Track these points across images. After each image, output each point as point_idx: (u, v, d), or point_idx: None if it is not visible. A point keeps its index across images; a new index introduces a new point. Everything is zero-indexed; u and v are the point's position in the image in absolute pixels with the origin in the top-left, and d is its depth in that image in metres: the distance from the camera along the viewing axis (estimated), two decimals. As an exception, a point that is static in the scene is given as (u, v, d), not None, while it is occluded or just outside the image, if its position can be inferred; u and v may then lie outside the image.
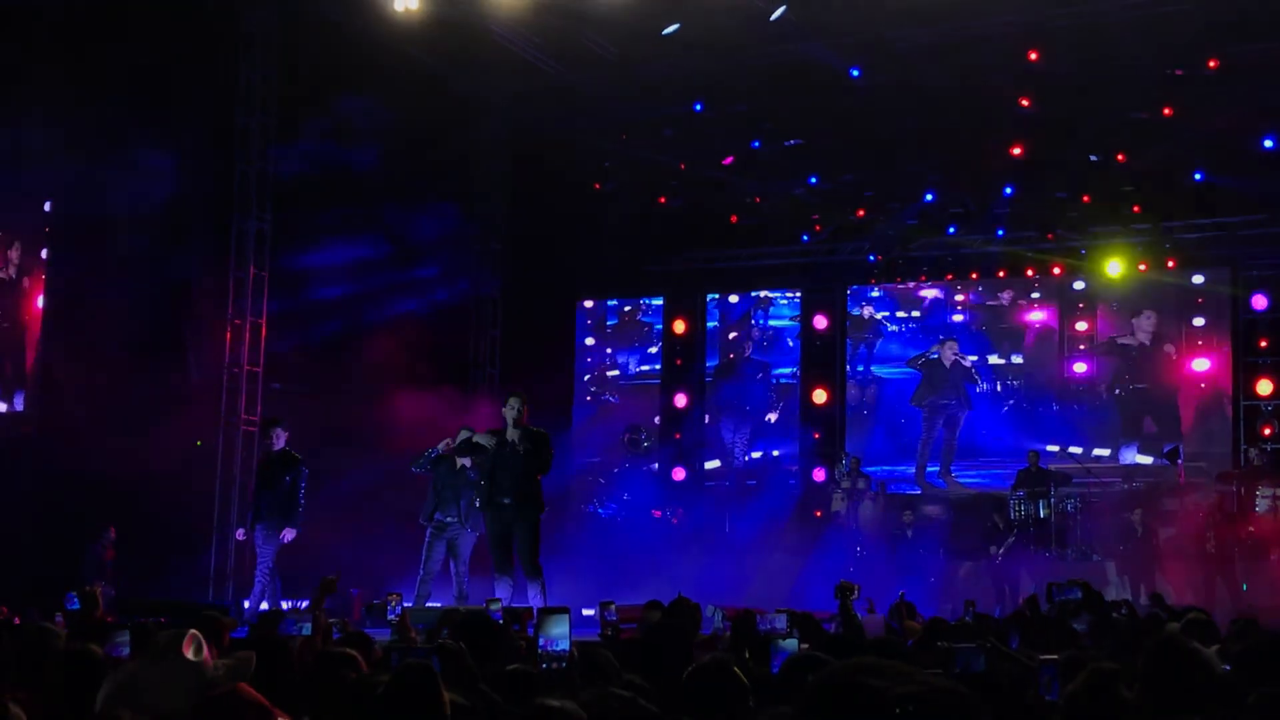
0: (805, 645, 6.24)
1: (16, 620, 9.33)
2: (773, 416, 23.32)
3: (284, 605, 12.96)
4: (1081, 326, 21.74)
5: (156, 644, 5.40)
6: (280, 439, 13.53)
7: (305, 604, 11.51)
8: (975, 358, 22.41)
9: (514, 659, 6.01)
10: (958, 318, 22.74)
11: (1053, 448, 20.89)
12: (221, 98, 17.40)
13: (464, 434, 13.16)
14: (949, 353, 22.34)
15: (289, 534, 13.35)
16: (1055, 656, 5.86)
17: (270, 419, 14.13)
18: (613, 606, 8.31)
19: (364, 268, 17.66)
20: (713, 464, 23.13)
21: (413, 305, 18.62)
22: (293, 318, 17.33)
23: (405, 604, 9.92)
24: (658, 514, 21.56)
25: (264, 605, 12.93)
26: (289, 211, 17.59)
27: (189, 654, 5.21)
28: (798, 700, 2.25)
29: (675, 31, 18.05)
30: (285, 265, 17.59)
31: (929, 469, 22.21)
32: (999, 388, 22.47)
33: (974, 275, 21.89)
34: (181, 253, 17.48)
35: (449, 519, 13.41)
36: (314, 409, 16.36)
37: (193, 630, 5.33)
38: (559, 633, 5.17)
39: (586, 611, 12.60)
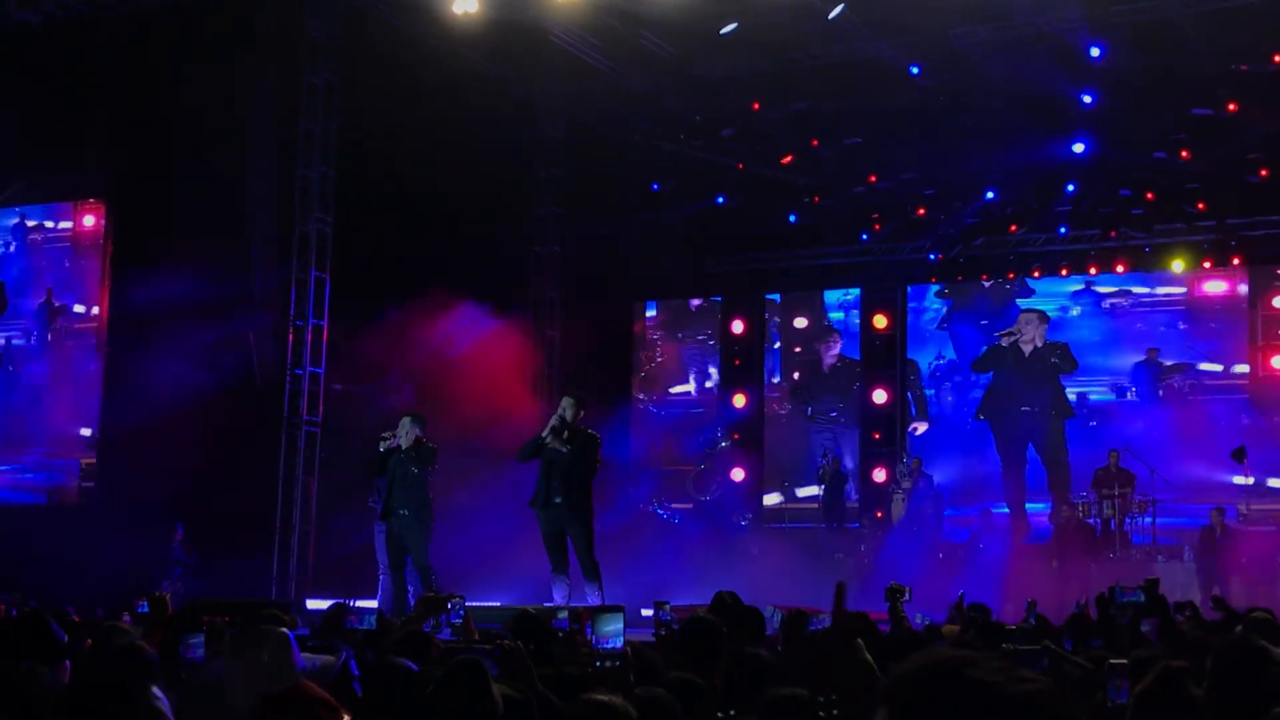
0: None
1: (77, 619, 9.43)
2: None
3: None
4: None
5: (238, 643, 5.43)
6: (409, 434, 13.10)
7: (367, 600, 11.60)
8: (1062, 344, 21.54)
9: (575, 661, 6.04)
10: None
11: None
12: (285, 102, 17.57)
13: (404, 424, 12.94)
14: (1031, 333, 21.65)
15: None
16: (1124, 660, 5.80)
17: (409, 413, 13.63)
18: (668, 606, 8.31)
19: (425, 269, 17.74)
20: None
21: (472, 306, 18.69)
22: (354, 319, 17.45)
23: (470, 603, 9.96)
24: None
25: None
26: (350, 214, 17.73)
27: (266, 658, 5.22)
28: (882, 692, 2.05)
29: (733, 31, 18.01)
30: (347, 268, 17.73)
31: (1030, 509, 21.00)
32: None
33: (1035, 273, 21.72)
34: (245, 255, 17.67)
35: (403, 511, 12.93)
36: (374, 410, 16.48)
37: (281, 629, 5.36)
38: (612, 630, 5.18)
39: (645, 612, 12.62)
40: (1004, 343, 21.96)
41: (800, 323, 23.85)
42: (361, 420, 16.06)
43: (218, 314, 17.25)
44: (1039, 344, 21.66)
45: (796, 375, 23.80)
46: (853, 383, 23.15)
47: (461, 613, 8.49)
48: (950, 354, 22.79)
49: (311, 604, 14.20)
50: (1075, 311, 21.85)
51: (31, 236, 20.96)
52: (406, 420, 12.97)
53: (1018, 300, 22.12)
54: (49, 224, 20.92)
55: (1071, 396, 21.40)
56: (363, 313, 17.39)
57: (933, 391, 22.84)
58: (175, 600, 13.64)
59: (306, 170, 17.65)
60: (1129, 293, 21.49)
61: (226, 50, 16.77)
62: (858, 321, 23.09)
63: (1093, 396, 21.56)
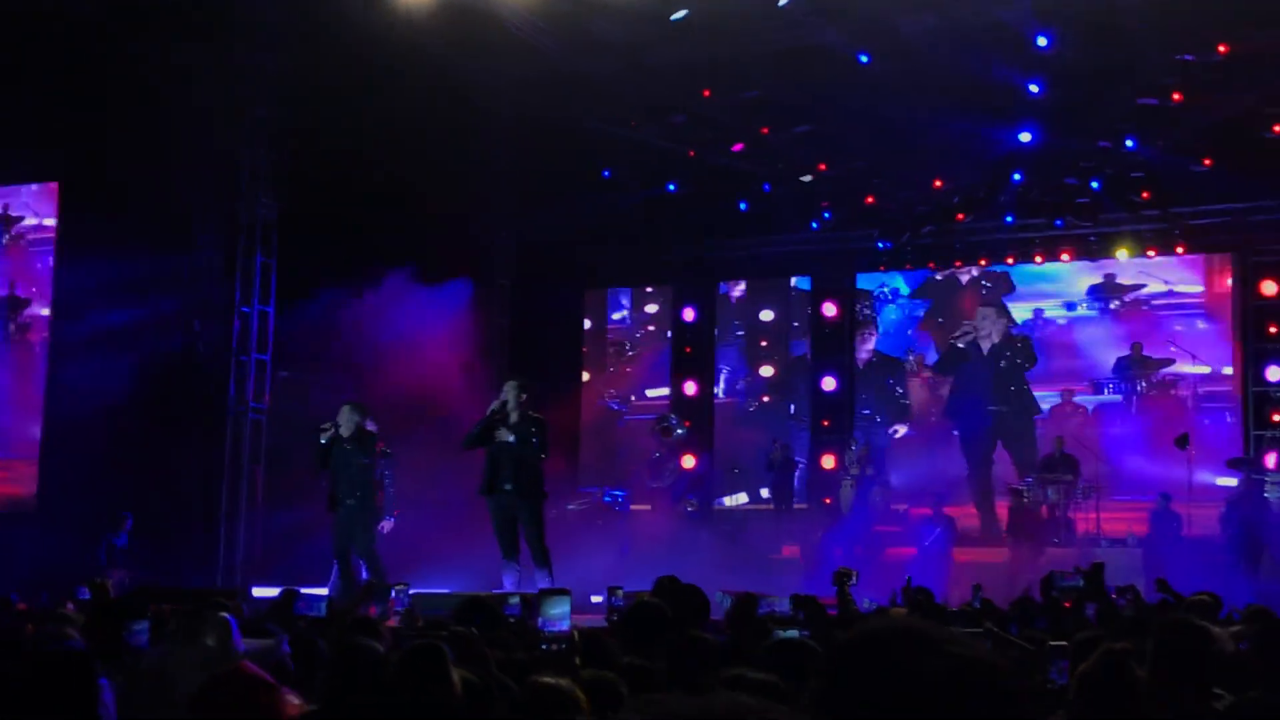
0: (807, 630, 6.25)
1: (22, 606, 9.36)
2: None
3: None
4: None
5: (182, 629, 5.41)
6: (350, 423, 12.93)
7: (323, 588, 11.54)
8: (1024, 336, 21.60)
9: (523, 646, 6.03)
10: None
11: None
12: (228, 86, 17.40)
13: (344, 413, 12.84)
14: (989, 328, 21.71)
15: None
16: (1064, 643, 5.86)
17: (348, 402, 13.50)
18: (620, 592, 8.32)
19: (371, 255, 17.65)
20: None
21: (420, 292, 18.60)
22: (300, 306, 17.33)
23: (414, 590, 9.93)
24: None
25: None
26: (296, 199, 17.59)
27: (211, 642, 5.22)
28: (820, 666, 2.05)
29: (684, 18, 18.00)
30: (293, 253, 17.59)
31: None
32: (1141, 386, 21.01)
33: (982, 261, 21.87)
34: (190, 240, 17.51)
35: (350, 501, 12.83)
36: (321, 397, 16.39)
37: (222, 614, 5.35)
38: (559, 613, 5.18)
39: (596, 598, 12.62)
40: (960, 343, 22.06)
41: (767, 315, 23.84)
42: (308, 407, 15.95)
43: (162, 300, 17.10)
44: (997, 339, 21.77)
45: (771, 371, 23.76)
46: (886, 378, 22.98)
47: (406, 600, 8.48)
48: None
49: (258, 592, 14.10)
50: (1083, 310, 21.78)
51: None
52: (346, 409, 12.87)
53: (1005, 300, 22.19)
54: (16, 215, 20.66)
55: (1055, 397, 21.37)
56: (308, 299, 17.27)
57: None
58: (122, 589, 13.58)
59: (251, 152, 17.49)
60: (1141, 291, 21.40)
61: (169, 32, 16.57)
62: (901, 315, 23.01)
63: (1076, 397, 21.57)
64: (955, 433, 21.92)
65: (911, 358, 22.89)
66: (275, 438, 17.24)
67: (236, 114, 17.43)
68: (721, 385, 23.84)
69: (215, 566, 16.67)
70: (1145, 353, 21.16)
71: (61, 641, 5.69)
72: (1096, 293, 21.73)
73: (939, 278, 22.72)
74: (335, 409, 13.13)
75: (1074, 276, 21.90)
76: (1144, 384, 21.12)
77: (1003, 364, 21.73)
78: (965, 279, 22.60)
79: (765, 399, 23.85)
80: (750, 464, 22.49)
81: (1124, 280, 21.60)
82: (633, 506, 21.64)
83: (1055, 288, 22.01)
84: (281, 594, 8.77)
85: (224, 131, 17.40)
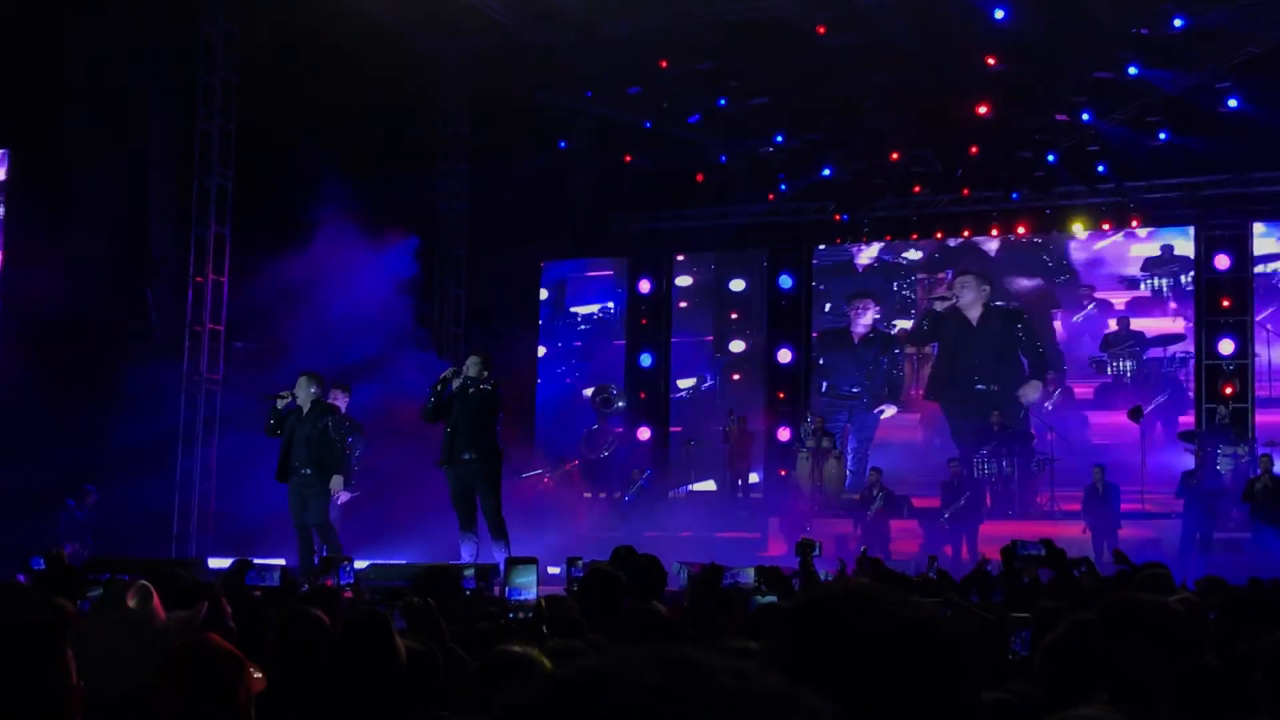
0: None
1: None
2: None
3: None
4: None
5: (102, 599, 5.32)
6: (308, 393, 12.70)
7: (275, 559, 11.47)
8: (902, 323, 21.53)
9: (485, 616, 6.00)
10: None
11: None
12: (183, 55, 17.21)
13: (301, 383, 12.70)
14: (971, 296, 21.23)
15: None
16: (1025, 614, 5.89)
17: (305, 372, 13.33)
18: (579, 562, 8.30)
19: (326, 226, 17.50)
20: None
21: (375, 264, 18.47)
22: (254, 276, 17.19)
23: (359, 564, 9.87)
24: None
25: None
26: (250, 169, 17.44)
27: (132, 604, 5.13)
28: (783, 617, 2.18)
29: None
30: (247, 223, 17.44)
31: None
32: (1130, 364, 20.65)
33: (938, 235, 21.90)
34: (144, 210, 17.32)
35: (306, 471, 12.52)
36: (275, 368, 16.26)
37: (142, 580, 5.26)
38: (525, 582, 5.16)
39: (553, 569, 12.60)
40: (938, 307, 21.80)
41: (738, 285, 23.45)
42: (263, 378, 15.83)
43: (116, 270, 16.90)
44: (983, 309, 21.40)
45: (742, 346, 23.17)
46: (881, 357, 22.35)
47: (350, 575, 8.41)
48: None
49: (214, 563, 14.00)
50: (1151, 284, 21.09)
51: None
52: (303, 379, 12.68)
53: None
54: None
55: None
56: (264, 269, 17.11)
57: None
58: (78, 559, 13.45)
59: (206, 124, 17.31)
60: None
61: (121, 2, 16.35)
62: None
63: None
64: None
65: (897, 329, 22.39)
66: (230, 408, 17.10)
67: (190, 82, 17.23)
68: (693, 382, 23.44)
69: (170, 537, 16.55)
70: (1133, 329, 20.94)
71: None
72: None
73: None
74: (291, 380, 12.99)
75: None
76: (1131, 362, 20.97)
77: (992, 335, 21.25)
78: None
79: (735, 377, 23.27)
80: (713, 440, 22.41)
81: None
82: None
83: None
84: (234, 564, 8.71)
85: (178, 100, 17.21)
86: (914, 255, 22.41)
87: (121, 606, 5.09)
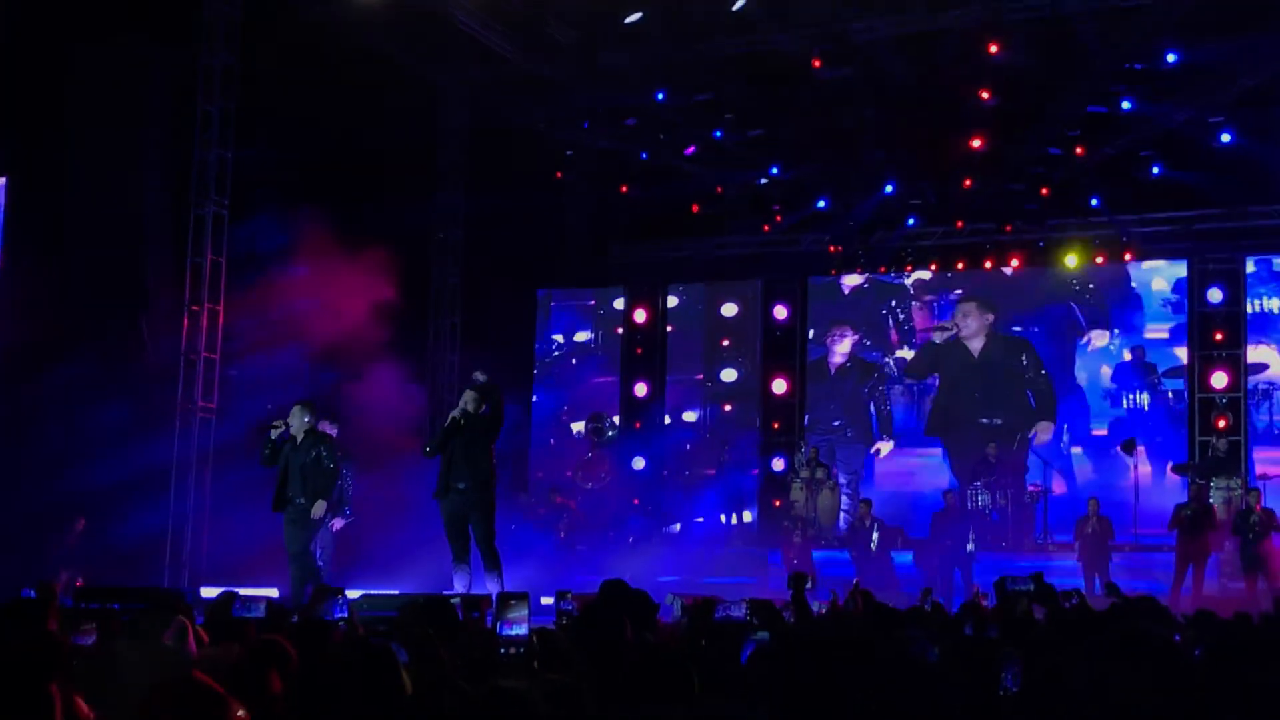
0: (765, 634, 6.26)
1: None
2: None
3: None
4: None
5: (137, 627, 5.35)
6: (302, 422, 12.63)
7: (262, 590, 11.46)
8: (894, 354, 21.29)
9: (474, 647, 6.00)
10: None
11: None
12: (181, 84, 17.26)
13: (295, 412, 12.72)
14: (975, 326, 21.03)
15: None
16: (1014, 650, 5.89)
17: (299, 401, 13.33)
18: (569, 595, 8.29)
19: (323, 254, 17.53)
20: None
21: (372, 291, 18.50)
22: (250, 305, 17.21)
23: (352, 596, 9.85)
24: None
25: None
26: (248, 198, 17.47)
27: (169, 641, 5.17)
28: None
29: (638, 20, 18.03)
30: (244, 252, 17.46)
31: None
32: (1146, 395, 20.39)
33: (933, 266, 21.93)
34: (139, 238, 17.34)
35: (299, 500, 12.44)
36: (270, 396, 16.29)
37: (180, 617, 5.29)
38: (518, 617, 5.16)
39: (545, 600, 12.60)
40: (937, 339, 21.71)
41: (729, 309, 23.29)
42: (257, 407, 15.85)
43: (111, 297, 16.91)
44: (984, 340, 21.29)
45: (734, 376, 22.98)
46: (861, 387, 22.14)
47: (344, 609, 8.38)
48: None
49: (205, 592, 13.98)
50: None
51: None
52: (297, 408, 12.64)
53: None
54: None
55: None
56: (260, 298, 17.14)
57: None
58: (69, 589, 13.40)
59: (203, 152, 17.36)
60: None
61: (123, 29, 16.41)
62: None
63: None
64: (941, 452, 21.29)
65: (890, 361, 22.20)
66: (224, 436, 17.09)
67: (190, 111, 17.28)
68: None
69: (163, 566, 16.51)
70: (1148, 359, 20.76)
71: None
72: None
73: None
74: (285, 410, 13.00)
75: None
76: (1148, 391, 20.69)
77: (996, 368, 21.07)
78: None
79: (726, 408, 23.25)
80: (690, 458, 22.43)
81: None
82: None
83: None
84: (220, 596, 8.70)
85: (175, 127, 17.26)
86: (923, 275, 22.22)
87: (156, 639, 5.12)
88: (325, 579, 12.44)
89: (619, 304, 23.66)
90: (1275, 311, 20.24)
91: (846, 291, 22.67)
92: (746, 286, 23.14)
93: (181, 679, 4.48)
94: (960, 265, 21.74)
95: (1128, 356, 20.89)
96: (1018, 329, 21.43)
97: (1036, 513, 19.43)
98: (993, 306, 21.37)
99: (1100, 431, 20.71)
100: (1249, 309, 20.22)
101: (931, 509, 19.21)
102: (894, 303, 22.33)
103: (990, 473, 19.30)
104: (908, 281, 22.19)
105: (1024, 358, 21.08)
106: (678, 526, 21.54)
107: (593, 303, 23.96)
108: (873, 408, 22.13)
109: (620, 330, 23.67)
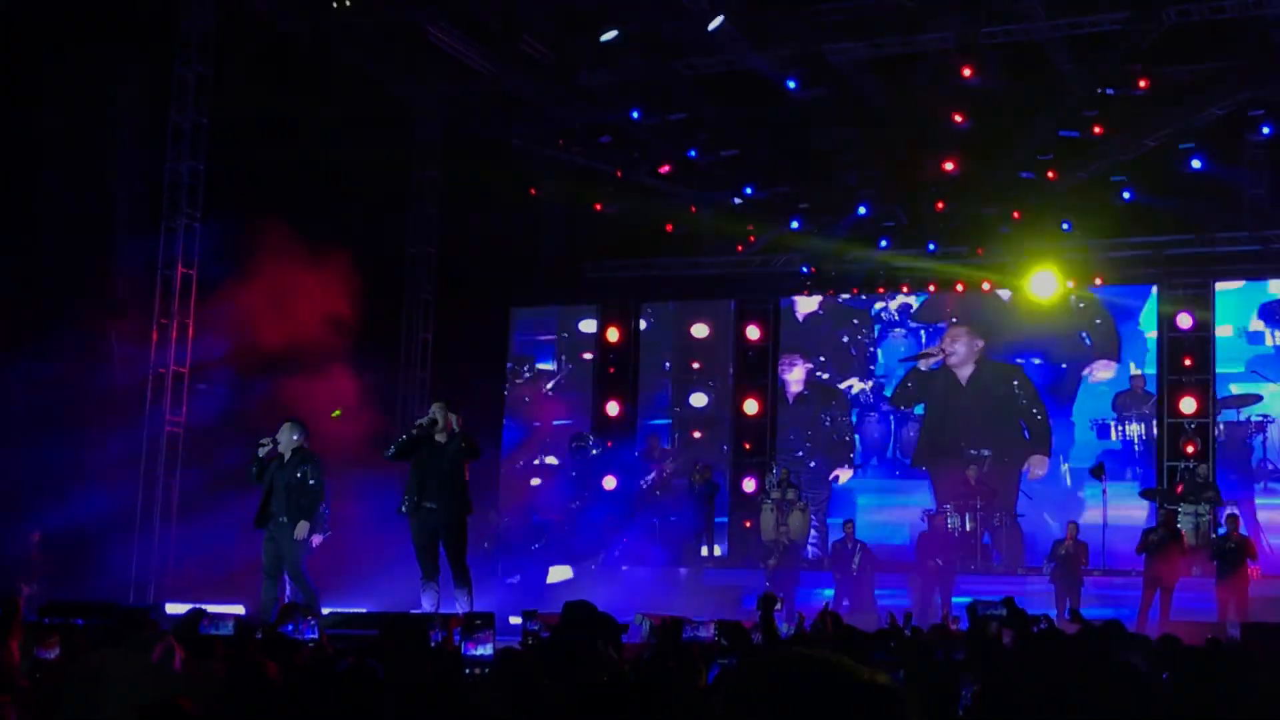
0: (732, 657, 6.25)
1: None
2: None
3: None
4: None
5: (130, 641, 5.36)
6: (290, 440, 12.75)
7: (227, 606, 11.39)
8: (865, 385, 21.23)
9: (442, 667, 5.98)
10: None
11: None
12: (155, 96, 17.21)
13: (284, 429, 12.69)
14: (964, 352, 20.70)
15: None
16: (973, 674, 5.92)
17: (288, 419, 13.28)
18: (536, 615, 8.27)
19: (295, 268, 17.47)
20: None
21: (344, 307, 18.44)
22: (221, 319, 17.14)
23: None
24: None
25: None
26: (219, 211, 17.41)
27: (157, 659, 5.16)
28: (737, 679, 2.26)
29: (613, 38, 18.05)
30: (215, 266, 17.39)
31: None
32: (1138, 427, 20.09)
33: (904, 288, 21.98)
34: (110, 250, 17.26)
35: (283, 518, 12.41)
36: (240, 411, 16.21)
37: (169, 635, 5.29)
38: (483, 639, 5.14)
39: (514, 620, 12.55)
40: (922, 365, 21.54)
41: (700, 330, 23.31)
42: (228, 422, 15.79)
43: (80, 310, 16.81)
44: (975, 366, 21.22)
45: (704, 400, 22.93)
46: (821, 414, 21.95)
47: (313, 630, 8.33)
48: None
49: (171, 608, 13.89)
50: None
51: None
52: (286, 426, 12.64)
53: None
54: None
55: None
56: (231, 311, 17.07)
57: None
58: (32, 603, 13.30)
59: (175, 165, 17.30)
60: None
61: (97, 41, 16.36)
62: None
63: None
64: (927, 482, 21.07)
65: (861, 387, 22.14)
66: (191, 451, 17.00)
67: (162, 123, 17.22)
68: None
69: (129, 582, 16.40)
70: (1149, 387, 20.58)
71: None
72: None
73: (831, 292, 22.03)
74: (255, 424, 12.98)
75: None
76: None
77: (985, 396, 20.91)
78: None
79: (696, 434, 23.15)
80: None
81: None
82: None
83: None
84: (188, 613, 8.65)
85: (148, 139, 17.19)
86: (909, 300, 22.17)
87: (143, 657, 5.10)
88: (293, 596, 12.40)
89: (587, 326, 23.69)
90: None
91: (801, 318, 22.66)
92: (718, 306, 23.15)
93: (166, 706, 4.45)
94: (932, 287, 21.79)
95: (1132, 378, 20.83)
96: (1019, 359, 21.16)
97: (1015, 536, 19.51)
98: (984, 332, 21.23)
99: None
100: (1268, 342, 20.15)
101: (906, 533, 19.29)
102: (857, 328, 22.31)
103: (968, 495, 19.34)
104: (893, 306, 22.21)
105: (1016, 386, 20.90)
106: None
107: (552, 336, 23.94)
108: (834, 436, 22.08)
109: (588, 355, 23.63)
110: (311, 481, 12.38)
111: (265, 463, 12.53)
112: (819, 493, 21.51)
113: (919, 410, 21.57)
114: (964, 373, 21.16)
